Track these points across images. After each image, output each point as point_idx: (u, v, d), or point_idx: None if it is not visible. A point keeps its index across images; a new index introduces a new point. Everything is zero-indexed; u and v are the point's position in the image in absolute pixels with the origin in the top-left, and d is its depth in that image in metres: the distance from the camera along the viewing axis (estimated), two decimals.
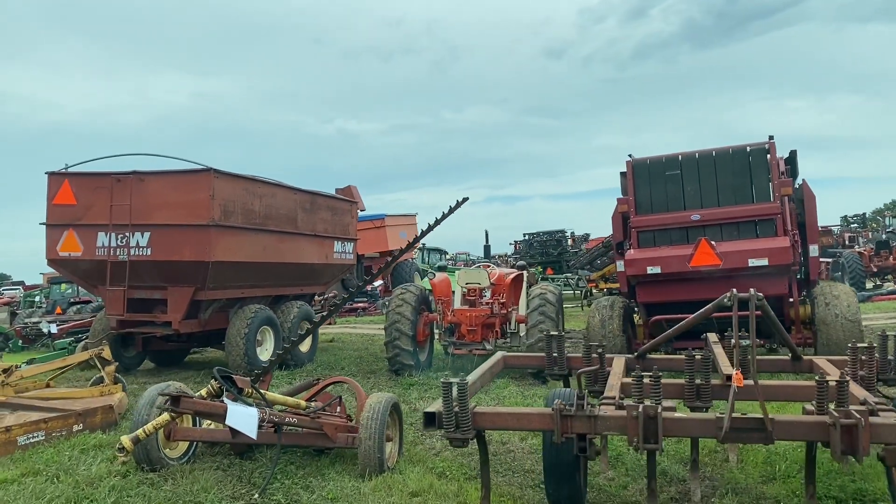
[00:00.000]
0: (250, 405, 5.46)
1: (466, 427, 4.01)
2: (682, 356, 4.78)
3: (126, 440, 5.12)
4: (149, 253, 10.31)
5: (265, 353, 11.32)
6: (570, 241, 41.88)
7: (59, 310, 28.73)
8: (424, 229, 7.04)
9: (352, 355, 13.98)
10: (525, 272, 12.30)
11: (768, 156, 9.91)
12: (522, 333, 11.38)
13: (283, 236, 11.89)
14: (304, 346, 12.69)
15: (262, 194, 11.29)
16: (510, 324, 11.46)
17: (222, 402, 5.24)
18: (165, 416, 5.29)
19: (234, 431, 5.42)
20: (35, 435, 6.45)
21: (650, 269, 10.21)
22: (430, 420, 4.16)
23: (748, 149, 10.12)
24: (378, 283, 28.76)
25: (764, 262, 9.21)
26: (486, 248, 37.80)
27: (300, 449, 6.38)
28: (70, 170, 10.80)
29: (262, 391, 5.76)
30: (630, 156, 10.93)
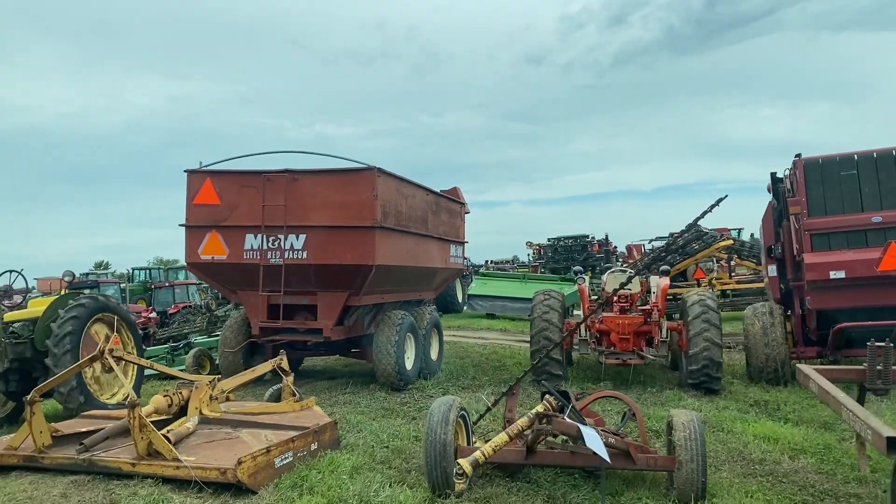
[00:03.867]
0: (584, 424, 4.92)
1: None
2: None
3: (466, 464, 4.56)
4: (304, 256, 9.71)
5: (408, 361, 10.74)
6: (594, 247, 41.63)
7: (146, 314, 27.89)
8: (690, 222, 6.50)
9: (465, 363, 13.43)
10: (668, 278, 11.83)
11: None
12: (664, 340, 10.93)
13: (419, 239, 11.33)
14: (434, 354, 12.14)
15: (407, 195, 10.73)
16: (661, 332, 10.97)
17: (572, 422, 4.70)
18: (504, 436, 4.74)
19: (574, 454, 4.91)
20: (286, 456, 5.85)
21: (833, 274, 9.76)
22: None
23: None
24: None
25: None
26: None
27: (568, 470, 5.84)
28: (210, 167, 10.18)
29: (577, 409, 5.22)
30: (798, 155, 10.47)
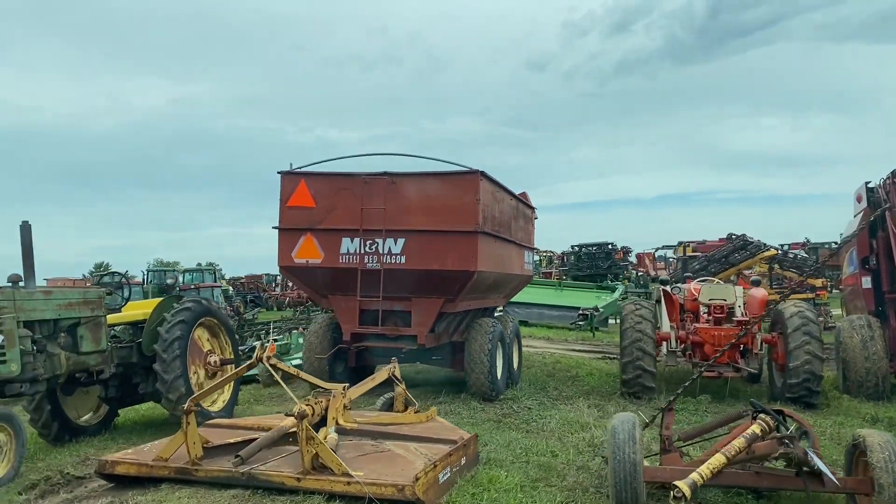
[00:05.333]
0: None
1: None
2: None
3: (685, 486, 4.28)
4: (402, 261, 9.45)
5: (497, 371, 10.45)
6: (618, 254, 41.33)
7: None
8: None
9: (535, 373, 13.13)
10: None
11: None
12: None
13: (506, 244, 11.07)
14: (516, 364, 11.85)
15: (499, 199, 10.47)
16: (756, 344, 10.68)
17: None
18: (721, 457, 4.46)
19: (759, 474, 4.62)
20: (447, 471, 5.58)
21: None
22: None
23: None
24: None
25: None
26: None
27: (733, 489, 5.55)
28: (304, 169, 9.94)
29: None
30: None
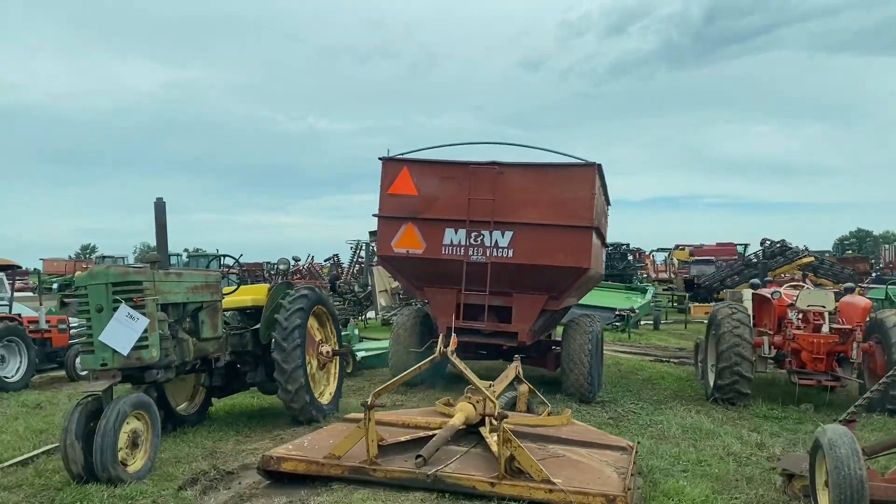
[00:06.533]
0: None
1: None
2: None
3: None
4: (510, 255, 9.10)
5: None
6: (632, 255, 41.09)
7: None
8: None
9: (611, 376, 12.81)
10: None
11: None
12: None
13: (600, 241, 10.73)
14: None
15: (600, 193, 10.12)
16: (858, 353, 10.39)
17: None
18: None
19: None
20: (637, 480, 5.25)
21: None
22: None
23: None
24: None
25: None
26: None
27: None
28: (406, 156, 9.57)
29: None
30: None
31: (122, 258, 39.47)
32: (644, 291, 27.84)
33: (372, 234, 30.74)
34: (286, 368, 7.30)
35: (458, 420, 5.60)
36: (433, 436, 5.45)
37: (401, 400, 9.25)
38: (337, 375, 8.48)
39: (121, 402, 5.57)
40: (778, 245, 25.13)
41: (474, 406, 5.86)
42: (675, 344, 19.77)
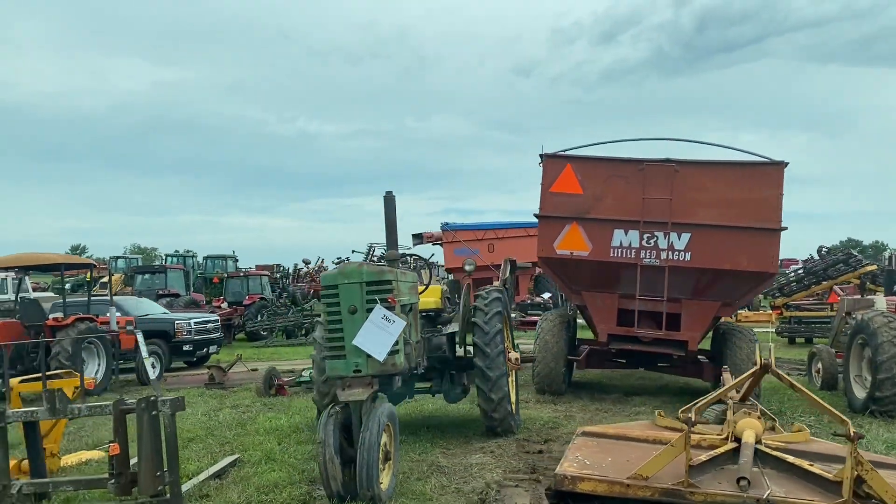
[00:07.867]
0: None
1: None
2: None
3: None
4: (687, 258, 8.60)
5: None
6: None
7: (217, 303, 26.48)
8: None
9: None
10: None
11: None
12: None
13: None
14: None
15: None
16: None
17: None
18: None
19: None
20: None
21: None
22: None
23: None
24: (547, 295, 27.05)
25: None
26: None
27: None
28: (570, 153, 9.08)
29: None
30: None
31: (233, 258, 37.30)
32: None
33: (415, 236, 30.18)
34: (491, 376, 6.78)
35: (750, 437, 5.10)
36: (723, 454, 4.97)
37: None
38: (515, 384, 7.95)
39: (379, 413, 5.05)
40: (841, 253, 24.66)
41: (760, 423, 5.36)
42: None
